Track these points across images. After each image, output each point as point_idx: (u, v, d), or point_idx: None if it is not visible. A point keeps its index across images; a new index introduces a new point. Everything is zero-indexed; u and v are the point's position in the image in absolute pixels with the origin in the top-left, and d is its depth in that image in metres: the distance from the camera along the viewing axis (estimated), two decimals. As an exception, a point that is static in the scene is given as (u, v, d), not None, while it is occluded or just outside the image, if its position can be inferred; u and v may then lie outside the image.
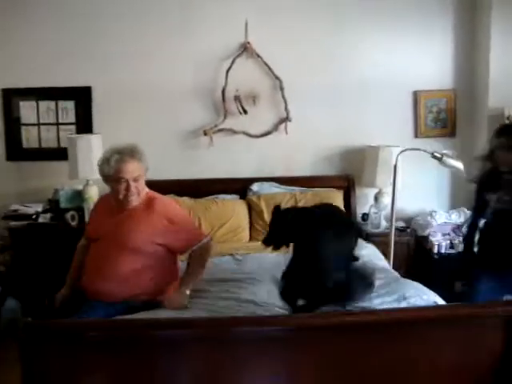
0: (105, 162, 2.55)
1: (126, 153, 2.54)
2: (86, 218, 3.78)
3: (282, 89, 4.05)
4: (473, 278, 2.91)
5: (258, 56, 4.02)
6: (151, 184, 2.78)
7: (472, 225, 3.01)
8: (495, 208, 2.75)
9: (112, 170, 2.52)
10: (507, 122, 3.81)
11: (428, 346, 1.79)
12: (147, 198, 2.65)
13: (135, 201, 2.57)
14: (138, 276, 2.53)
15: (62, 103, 4.10)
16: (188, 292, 2.52)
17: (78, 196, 3.89)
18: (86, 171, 3.71)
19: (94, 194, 3.79)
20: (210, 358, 1.79)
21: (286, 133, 4.10)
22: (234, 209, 3.90)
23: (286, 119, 4.09)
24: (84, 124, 4.10)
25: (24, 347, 1.71)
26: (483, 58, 4.02)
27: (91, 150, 3.70)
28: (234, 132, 4.11)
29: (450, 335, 1.79)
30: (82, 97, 4.08)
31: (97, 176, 3.57)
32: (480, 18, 4.06)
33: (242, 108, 4.00)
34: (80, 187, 3.89)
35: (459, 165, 3.37)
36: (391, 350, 1.79)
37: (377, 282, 2.53)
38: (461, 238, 3.96)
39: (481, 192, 2.88)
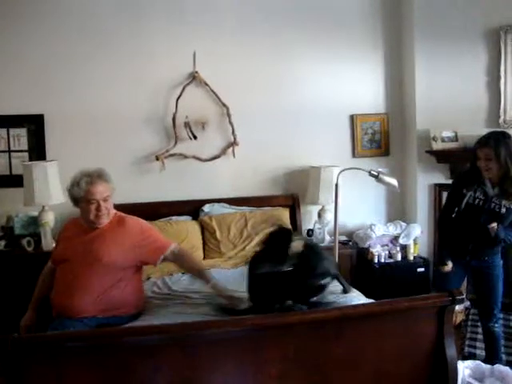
0: (75, 185, 2.68)
1: (95, 175, 2.69)
2: (43, 243, 3.85)
3: (229, 115, 4.28)
4: (441, 258, 3.19)
5: (206, 84, 4.23)
6: None
7: (446, 213, 3.25)
8: (467, 202, 3.03)
9: (82, 192, 2.66)
10: (433, 142, 4.21)
11: (374, 336, 2.04)
12: (117, 217, 2.79)
13: (105, 220, 2.71)
14: (108, 293, 2.63)
15: (13, 131, 4.14)
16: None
17: (34, 222, 3.93)
18: (42, 197, 3.76)
19: (50, 219, 3.85)
20: (182, 359, 1.95)
21: (234, 156, 4.32)
22: (187, 229, 4.05)
23: (234, 143, 4.31)
24: (37, 151, 4.15)
25: (11, 361, 1.82)
26: (410, 86, 4.41)
27: (47, 176, 3.76)
28: (185, 156, 4.28)
29: (391, 326, 2.06)
30: (34, 124, 4.14)
31: (54, 202, 3.72)
32: (406, 50, 4.47)
33: (192, 133, 4.18)
34: (35, 213, 3.93)
35: (393, 181, 3.67)
36: (343, 341, 2.03)
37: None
38: (398, 249, 4.32)
39: (459, 186, 3.12)
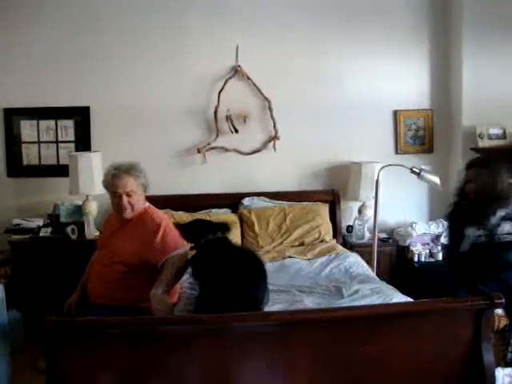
0: (104, 176, 2.77)
1: (123, 169, 2.72)
2: (86, 232, 3.97)
3: (270, 109, 4.28)
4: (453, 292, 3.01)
5: (248, 78, 4.25)
6: (148, 199, 2.89)
7: (453, 258, 3.15)
8: (473, 241, 2.88)
9: (108, 184, 2.74)
10: (479, 139, 4.09)
11: (407, 336, 2.00)
12: (143, 212, 2.77)
13: (128, 214, 2.72)
14: (134, 283, 2.64)
15: (61, 122, 4.28)
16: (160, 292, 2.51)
17: (78, 211, 4.05)
18: (86, 187, 3.87)
19: (93, 208, 3.96)
20: (214, 351, 1.97)
21: (275, 150, 4.32)
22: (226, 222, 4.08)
23: (275, 137, 4.31)
24: (83, 142, 4.28)
25: (49, 343, 1.88)
26: (457, 81, 4.30)
27: (91, 166, 3.88)
28: (226, 150, 4.32)
29: (426, 326, 2.02)
30: (80, 116, 4.27)
31: (96, 192, 3.82)
32: (453, 44, 4.35)
33: (234, 127, 4.21)
34: (80, 202, 4.05)
35: (436, 179, 3.61)
36: (375, 341, 1.99)
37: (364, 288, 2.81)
38: (439, 248, 4.22)
39: (460, 226, 2.96)
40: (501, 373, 2.51)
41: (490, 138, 4.08)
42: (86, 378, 1.93)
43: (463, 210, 2.96)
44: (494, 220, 2.84)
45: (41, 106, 4.21)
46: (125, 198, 2.69)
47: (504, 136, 4.09)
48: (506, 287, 2.87)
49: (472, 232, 2.87)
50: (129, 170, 2.74)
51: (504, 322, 3.65)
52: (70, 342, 1.91)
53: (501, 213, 2.84)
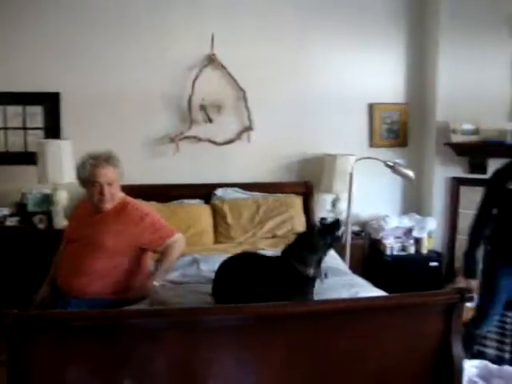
0: (81, 166, 2.68)
1: (102, 158, 2.66)
2: (55, 222, 3.87)
3: (245, 99, 4.24)
4: (492, 275, 2.84)
5: (224, 67, 4.19)
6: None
7: (483, 216, 2.88)
8: None
9: (87, 174, 2.65)
10: (452, 134, 4.12)
11: (379, 330, 2.00)
12: (122, 202, 2.75)
13: (109, 204, 2.68)
14: (109, 274, 2.64)
15: (30, 108, 4.14)
16: (156, 284, 2.62)
17: (46, 200, 3.96)
18: (55, 176, 3.77)
19: (62, 198, 3.87)
20: (183, 344, 1.93)
21: (249, 141, 4.28)
22: (199, 213, 4.05)
23: (249, 128, 4.27)
24: (52, 129, 4.16)
25: (12, 338, 1.81)
26: (432, 77, 4.33)
27: (61, 155, 3.77)
28: (200, 139, 4.26)
29: (398, 321, 2.01)
30: (50, 102, 4.14)
31: (66, 180, 3.72)
32: (429, 40, 4.37)
33: (208, 117, 4.16)
34: (48, 191, 3.95)
35: (410, 173, 3.62)
36: (346, 335, 1.98)
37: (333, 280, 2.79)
38: (411, 242, 4.25)
39: (501, 181, 2.77)
40: (468, 365, 2.54)
41: (463, 133, 4.11)
42: (51, 372, 1.86)
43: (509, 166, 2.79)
44: None
45: (8, 90, 4.07)
46: (106, 188, 2.64)
47: (477, 132, 4.13)
48: None
49: None
50: (108, 159, 2.69)
51: (472, 314, 3.70)
52: (33, 336, 1.84)
53: None
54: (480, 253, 2.91)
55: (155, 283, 2.62)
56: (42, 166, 3.80)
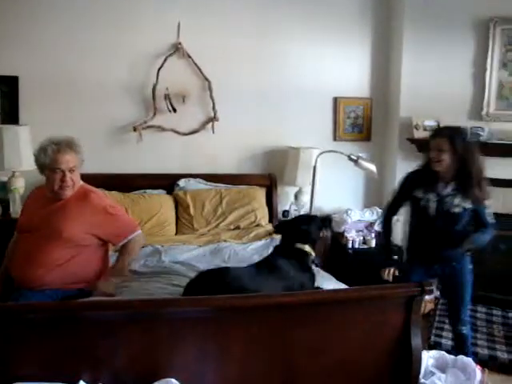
0: (41, 152, 2.58)
1: (64, 144, 2.58)
2: (11, 210, 3.75)
3: (210, 89, 4.19)
4: (406, 271, 2.99)
5: (189, 57, 4.13)
6: (80, 177, 2.77)
7: (389, 213, 3.13)
8: (421, 206, 2.84)
9: (48, 160, 2.56)
10: (415, 130, 4.18)
11: (340, 322, 2.02)
12: (82, 190, 2.69)
13: (69, 192, 2.61)
14: (69, 265, 2.57)
15: (-15, 92, 4.01)
16: (115, 281, 2.62)
17: (3, 187, 3.82)
18: (12, 162, 3.64)
19: (20, 185, 3.74)
20: (144, 337, 1.90)
21: (213, 132, 4.24)
22: (161, 203, 3.99)
23: (214, 119, 4.23)
24: (9, 114, 4.00)
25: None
26: (396, 72, 4.38)
27: (18, 141, 3.64)
28: (163, 129, 4.19)
29: (358, 313, 2.04)
30: (7, 86, 3.98)
31: (24, 167, 3.61)
32: (394, 36, 4.43)
33: (172, 106, 4.09)
34: (5, 178, 3.82)
35: (372, 167, 3.68)
36: (308, 327, 2.00)
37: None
38: (373, 235, 4.31)
39: (409, 187, 2.92)
40: (425, 355, 2.59)
41: (425, 129, 4.18)
42: (5, 366, 1.81)
43: (419, 172, 2.93)
44: (445, 191, 2.80)
45: (-38, 73, 3.91)
46: (68, 175, 2.57)
47: (438, 128, 4.20)
48: (453, 274, 2.92)
49: (423, 194, 2.83)
50: (70, 144, 2.62)
51: (430, 306, 3.79)
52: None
53: (453, 186, 2.80)
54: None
55: (114, 280, 2.58)
56: (-2, 152, 3.66)
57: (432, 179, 2.83)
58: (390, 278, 2.96)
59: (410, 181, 2.96)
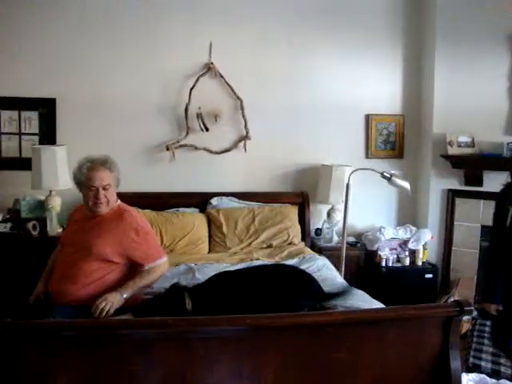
0: (77, 169, 2.66)
1: (98, 162, 2.64)
2: (48, 228, 3.83)
3: (242, 108, 4.23)
4: (492, 294, 2.76)
5: (221, 76, 4.18)
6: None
7: (497, 236, 2.81)
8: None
9: (83, 177, 2.62)
10: (448, 146, 4.12)
11: (376, 342, 1.98)
12: (118, 208, 2.72)
13: (104, 209, 2.65)
14: (101, 282, 2.58)
15: (25, 113, 4.11)
16: (125, 296, 2.53)
17: (40, 206, 3.91)
18: (49, 181, 3.74)
19: (57, 204, 3.82)
20: (178, 355, 1.90)
21: (245, 150, 4.27)
22: (194, 222, 4.01)
23: (246, 137, 4.25)
24: (47, 135, 4.12)
25: (2, 346, 1.78)
26: (429, 89, 4.34)
27: (55, 160, 3.74)
28: (196, 148, 4.24)
29: (395, 333, 1.99)
30: (46, 108, 4.11)
31: (60, 187, 3.70)
32: (426, 52, 4.40)
33: (204, 125, 4.13)
34: (42, 197, 3.91)
35: (406, 184, 3.62)
36: (343, 347, 1.96)
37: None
38: (407, 253, 4.24)
39: (502, 201, 2.77)
40: (464, 378, 2.52)
41: (459, 145, 4.12)
42: (41, 382, 1.83)
43: (509, 185, 2.79)
44: None
45: (3, 95, 4.04)
46: (101, 192, 2.62)
47: (473, 144, 4.14)
48: None
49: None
50: (105, 163, 2.67)
51: (466, 327, 3.69)
52: (25, 345, 1.81)
53: None
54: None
55: (125, 295, 2.53)
56: (36, 172, 3.76)
57: None
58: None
59: (502, 195, 2.80)
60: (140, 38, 4.13)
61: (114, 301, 2.46)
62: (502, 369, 3.22)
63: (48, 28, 4.04)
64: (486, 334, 3.68)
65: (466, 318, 3.37)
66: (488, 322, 3.88)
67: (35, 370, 1.83)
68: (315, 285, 2.67)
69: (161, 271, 2.74)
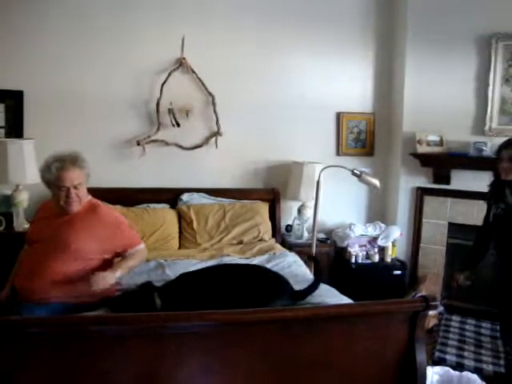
0: (46, 169, 2.59)
1: (68, 160, 2.58)
2: (15, 223, 3.76)
3: (214, 104, 4.21)
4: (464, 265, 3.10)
5: (193, 71, 4.16)
6: None
7: (484, 233, 3.08)
8: (494, 214, 2.90)
9: (53, 177, 2.57)
10: (418, 145, 4.19)
11: (344, 337, 2.01)
12: (90, 204, 2.70)
13: (76, 207, 2.62)
14: (74, 278, 2.56)
15: (-10, 106, 4.02)
16: (117, 275, 2.55)
17: (6, 201, 3.82)
18: (16, 176, 3.64)
19: (24, 199, 3.74)
20: (150, 350, 1.89)
21: (217, 146, 4.25)
22: (164, 217, 3.99)
23: (217, 133, 4.24)
24: (14, 128, 4.03)
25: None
26: (399, 87, 4.39)
27: (23, 155, 3.64)
28: (167, 143, 4.20)
29: (363, 328, 2.03)
30: (13, 100, 4.00)
31: (28, 181, 3.62)
32: (397, 52, 4.45)
33: (175, 121, 4.11)
34: (8, 192, 3.82)
35: (376, 182, 3.66)
36: (312, 342, 1.99)
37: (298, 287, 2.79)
38: (376, 250, 4.30)
39: (489, 202, 2.99)
40: (430, 371, 2.58)
41: (428, 144, 4.19)
42: (8, 381, 1.80)
43: (491, 185, 2.99)
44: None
45: (-31, 87, 3.94)
46: (73, 191, 2.58)
47: (441, 143, 4.21)
48: None
49: (495, 204, 2.90)
50: (74, 161, 2.62)
51: (433, 321, 3.77)
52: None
53: None
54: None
55: (117, 274, 2.55)
56: (2, 166, 3.64)
57: (500, 190, 2.86)
58: (455, 284, 3.02)
59: (488, 196, 3.01)
60: (111, 31, 4.06)
61: (108, 276, 2.48)
62: (466, 362, 3.31)
63: (16, 21, 3.93)
64: (451, 329, 3.77)
65: (432, 312, 3.44)
66: (454, 317, 3.99)
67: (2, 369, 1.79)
68: (288, 287, 2.67)
69: (142, 256, 2.79)
